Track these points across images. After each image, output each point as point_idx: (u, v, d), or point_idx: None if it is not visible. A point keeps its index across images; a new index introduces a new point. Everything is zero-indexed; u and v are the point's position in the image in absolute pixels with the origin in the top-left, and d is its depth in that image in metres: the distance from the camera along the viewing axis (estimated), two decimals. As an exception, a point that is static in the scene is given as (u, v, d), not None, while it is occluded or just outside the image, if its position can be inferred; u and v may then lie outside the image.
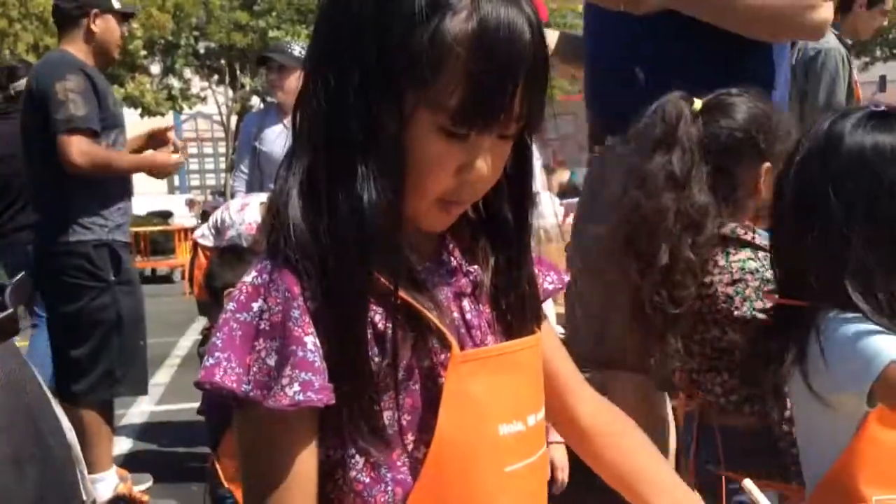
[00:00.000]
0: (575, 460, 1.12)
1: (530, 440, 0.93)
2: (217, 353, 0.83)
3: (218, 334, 0.85)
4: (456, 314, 0.91)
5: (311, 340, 0.83)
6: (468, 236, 0.97)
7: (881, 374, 1.18)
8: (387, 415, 0.85)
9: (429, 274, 0.92)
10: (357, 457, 0.86)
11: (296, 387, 0.81)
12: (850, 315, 1.24)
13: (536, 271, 1.01)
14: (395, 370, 0.85)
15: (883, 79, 19.96)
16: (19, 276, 0.70)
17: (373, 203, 0.83)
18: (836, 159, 1.27)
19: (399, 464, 0.87)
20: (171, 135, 3.62)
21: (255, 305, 0.84)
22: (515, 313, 0.95)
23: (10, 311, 0.68)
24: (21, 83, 5.68)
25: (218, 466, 3.17)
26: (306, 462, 0.85)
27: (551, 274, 1.05)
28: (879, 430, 1.24)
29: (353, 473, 0.86)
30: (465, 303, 0.93)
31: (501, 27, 0.81)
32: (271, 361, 0.83)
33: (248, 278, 0.87)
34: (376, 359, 0.85)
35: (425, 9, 0.80)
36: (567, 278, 1.08)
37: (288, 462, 0.84)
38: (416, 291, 0.86)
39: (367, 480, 0.86)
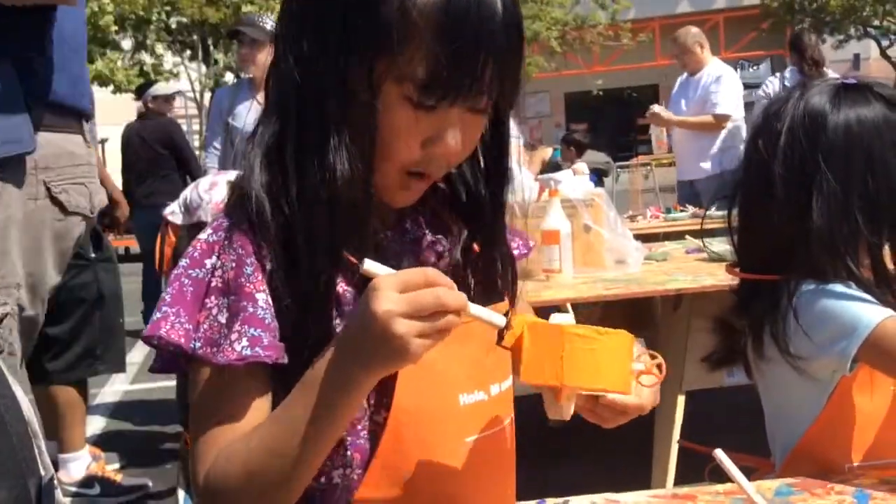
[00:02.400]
0: (551, 429, 1.11)
1: (493, 410, 0.93)
2: (165, 308, 0.84)
3: (168, 289, 0.85)
4: None
5: (263, 298, 0.83)
6: (435, 207, 0.96)
7: (869, 335, 1.19)
8: None
9: (391, 242, 0.92)
10: None
11: (244, 342, 0.81)
12: (831, 285, 1.26)
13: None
14: None
15: (857, 57, 20.14)
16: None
17: (344, 174, 0.83)
18: (825, 137, 1.28)
19: (359, 427, 0.87)
20: None
21: (209, 262, 0.85)
22: (485, 286, 0.95)
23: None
24: (155, 88, 6.24)
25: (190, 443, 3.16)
26: (252, 417, 0.84)
27: (516, 240, 1.05)
28: (855, 396, 1.26)
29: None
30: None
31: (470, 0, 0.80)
32: (222, 318, 0.83)
33: (203, 235, 0.88)
34: (336, 320, 0.85)
35: None
36: (532, 243, 1.09)
37: (234, 413, 0.83)
38: (377, 258, 0.85)
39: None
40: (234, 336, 0.82)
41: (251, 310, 0.83)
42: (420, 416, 0.87)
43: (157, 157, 5.64)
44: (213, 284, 0.85)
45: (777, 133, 1.32)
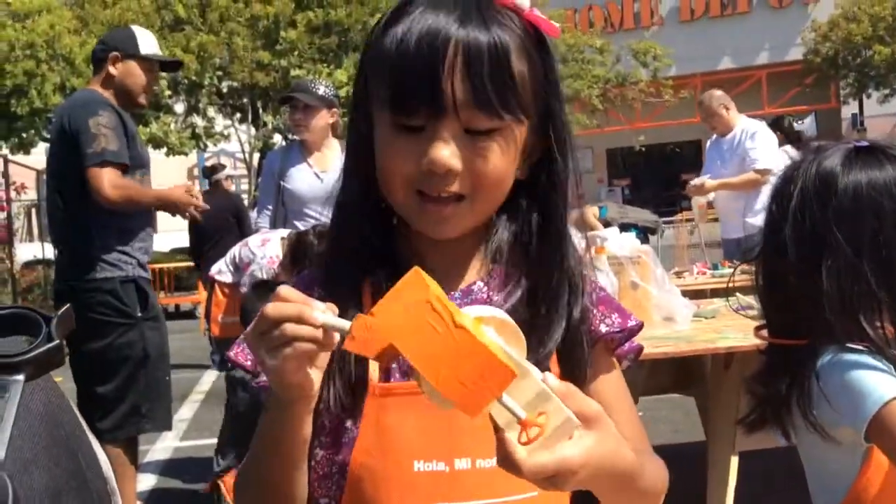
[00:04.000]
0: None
1: (458, 484, 0.90)
2: (242, 336, 0.97)
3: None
4: None
5: None
6: (508, 263, 0.98)
7: (875, 413, 1.18)
8: (349, 422, 0.92)
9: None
10: (317, 450, 0.94)
11: None
12: (849, 352, 1.25)
13: (596, 311, 1.00)
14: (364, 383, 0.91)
15: (904, 110, 19.89)
16: (64, 308, 0.72)
17: (348, 202, 0.97)
18: (836, 199, 1.29)
19: (335, 470, 0.93)
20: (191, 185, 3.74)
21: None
22: (533, 350, 0.90)
23: (56, 342, 0.70)
24: (220, 174, 7.87)
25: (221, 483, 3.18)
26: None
27: (613, 316, 1.01)
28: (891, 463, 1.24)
29: (312, 463, 0.94)
30: None
31: (420, 25, 0.88)
32: None
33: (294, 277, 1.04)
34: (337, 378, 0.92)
35: (377, 34, 0.93)
36: (633, 324, 1.01)
37: (270, 433, 0.90)
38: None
39: (320, 473, 0.94)
40: None
41: None
42: (374, 474, 0.90)
43: (226, 223, 7.02)
44: None
45: (789, 195, 1.34)
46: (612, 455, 0.75)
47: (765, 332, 1.41)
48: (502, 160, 0.91)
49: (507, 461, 0.70)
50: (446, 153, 0.88)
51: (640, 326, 1.02)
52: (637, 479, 0.83)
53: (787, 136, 8.71)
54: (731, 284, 1.93)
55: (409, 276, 0.72)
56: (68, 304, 0.76)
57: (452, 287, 0.97)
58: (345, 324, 0.74)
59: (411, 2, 0.92)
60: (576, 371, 0.95)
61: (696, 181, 5.51)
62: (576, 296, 0.97)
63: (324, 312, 0.76)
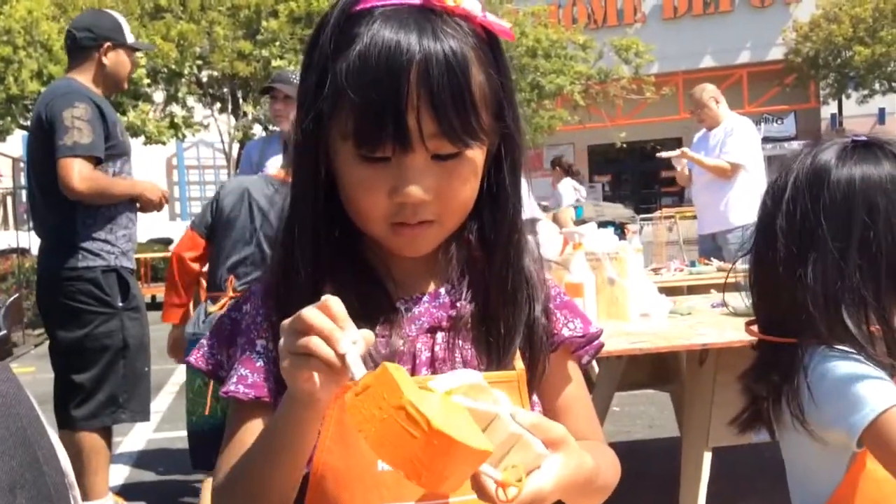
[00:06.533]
0: None
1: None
2: (204, 340, 1.00)
3: (213, 326, 1.01)
4: (422, 346, 0.94)
5: (262, 343, 0.95)
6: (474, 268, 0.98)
7: (870, 424, 1.17)
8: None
9: (410, 304, 0.96)
10: None
11: (234, 378, 0.94)
12: (837, 352, 1.23)
13: (559, 315, 1.01)
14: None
15: (882, 111, 20.09)
16: (12, 297, 0.70)
17: (306, 227, 0.93)
18: (827, 193, 1.27)
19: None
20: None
21: (244, 307, 0.99)
22: (497, 350, 0.95)
23: (3, 332, 0.68)
24: None
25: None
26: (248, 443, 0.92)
27: (576, 321, 1.04)
28: (873, 463, 1.23)
29: None
30: (439, 336, 0.95)
31: (376, 50, 0.84)
32: (235, 357, 0.97)
33: (250, 286, 1.03)
34: None
35: (331, 53, 0.88)
36: (595, 330, 1.04)
37: (242, 439, 0.94)
38: (391, 324, 0.93)
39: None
40: (232, 373, 0.95)
41: (248, 353, 0.95)
42: (337, 473, 0.90)
43: None
44: (242, 326, 0.98)
45: (784, 186, 1.32)
46: (576, 470, 0.82)
47: (755, 328, 1.39)
48: (469, 181, 0.92)
49: (487, 499, 0.77)
50: (418, 189, 0.88)
51: (599, 333, 1.06)
52: (595, 479, 0.90)
53: (566, 170, 9.91)
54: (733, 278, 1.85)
55: (381, 373, 0.73)
56: (16, 295, 0.74)
57: (418, 290, 0.98)
58: (360, 370, 0.76)
59: (364, 14, 0.88)
60: (536, 367, 0.98)
61: (676, 151, 5.58)
62: (535, 296, 0.98)
63: (354, 344, 0.76)
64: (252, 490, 0.89)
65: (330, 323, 0.76)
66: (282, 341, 0.79)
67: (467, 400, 0.78)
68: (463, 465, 0.74)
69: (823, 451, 1.26)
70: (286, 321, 0.79)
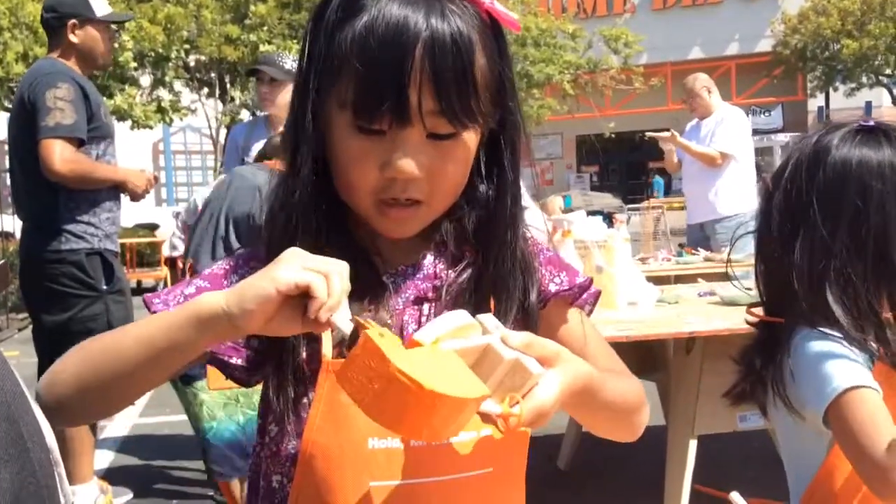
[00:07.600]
0: (559, 472, 1.08)
1: (413, 461, 0.90)
2: (168, 289, 0.97)
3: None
4: (409, 318, 0.95)
5: (200, 285, 0.95)
6: (456, 241, 0.98)
7: (831, 403, 1.18)
8: (304, 400, 0.92)
9: (397, 277, 0.96)
10: (272, 426, 0.94)
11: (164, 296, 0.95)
12: (819, 333, 1.24)
13: (544, 271, 1.02)
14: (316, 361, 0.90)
15: (869, 105, 20.20)
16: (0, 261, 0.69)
17: (303, 198, 0.92)
18: (822, 172, 1.28)
19: (290, 447, 0.93)
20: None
21: (224, 265, 0.98)
22: (497, 309, 0.95)
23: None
24: None
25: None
26: None
27: (561, 275, 1.04)
28: None
29: (266, 440, 0.95)
30: (425, 307, 0.96)
31: (384, 23, 0.85)
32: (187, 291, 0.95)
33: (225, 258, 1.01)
34: (304, 347, 0.92)
35: (334, 22, 0.88)
36: (583, 280, 1.05)
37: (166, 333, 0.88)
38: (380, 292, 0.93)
39: (273, 450, 0.94)
40: (177, 291, 0.95)
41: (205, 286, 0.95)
42: (328, 452, 0.89)
43: None
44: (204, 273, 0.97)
45: (785, 166, 1.33)
46: (573, 379, 0.83)
47: (757, 310, 1.39)
48: (461, 164, 0.92)
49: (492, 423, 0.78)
50: (410, 163, 0.88)
51: (589, 282, 1.05)
52: (601, 389, 0.90)
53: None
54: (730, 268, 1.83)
55: (364, 342, 0.73)
56: (3, 260, 0.73)
57: (404, 262, 0.98)
58: (346, 329, 0.78)
59: None
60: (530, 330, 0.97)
61: (665, 133, 5.58)
62: (530, 277, 0.98)
63: (349, 320, 0.79)
64: (102, 372, 0.86)
65: (345, 284, 0.79)
66: (290, 252, 0.80)
67: (456, 341, 0.78)
68: (462, 413, 0.74)
69: (808, 431, 1.27)
70: (303, 251, 0.81)
